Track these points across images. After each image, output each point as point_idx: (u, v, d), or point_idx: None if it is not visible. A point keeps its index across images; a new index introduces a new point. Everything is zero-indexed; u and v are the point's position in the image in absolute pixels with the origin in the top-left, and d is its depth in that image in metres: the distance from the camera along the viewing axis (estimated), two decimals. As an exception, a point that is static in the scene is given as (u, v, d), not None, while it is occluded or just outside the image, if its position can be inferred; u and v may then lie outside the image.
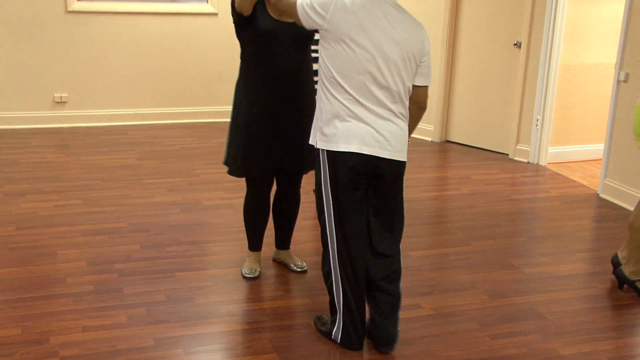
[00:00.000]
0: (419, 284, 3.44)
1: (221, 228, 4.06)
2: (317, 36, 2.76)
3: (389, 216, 2.81)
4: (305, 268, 3.52)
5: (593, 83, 5.62)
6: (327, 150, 2.69)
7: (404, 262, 3.61)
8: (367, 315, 2.87)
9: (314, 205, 3.15)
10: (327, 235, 2.78)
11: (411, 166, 5.43)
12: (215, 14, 6.41)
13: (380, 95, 2.65)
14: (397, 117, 2.71)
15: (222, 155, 5.42)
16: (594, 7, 5.45)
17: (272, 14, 3.04)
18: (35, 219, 4.06)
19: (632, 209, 4.51)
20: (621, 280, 3.43)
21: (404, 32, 2.65)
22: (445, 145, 6.11)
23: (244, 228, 3.47)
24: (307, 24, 2.66)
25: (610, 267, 3.66)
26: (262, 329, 2.98)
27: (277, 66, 3.09)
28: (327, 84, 2.68)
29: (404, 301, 3.21)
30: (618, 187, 4.73)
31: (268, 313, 3.12)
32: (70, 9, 6.01)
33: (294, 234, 3.59)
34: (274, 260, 3.62)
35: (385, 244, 2.82)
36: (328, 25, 2.60)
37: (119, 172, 5.01)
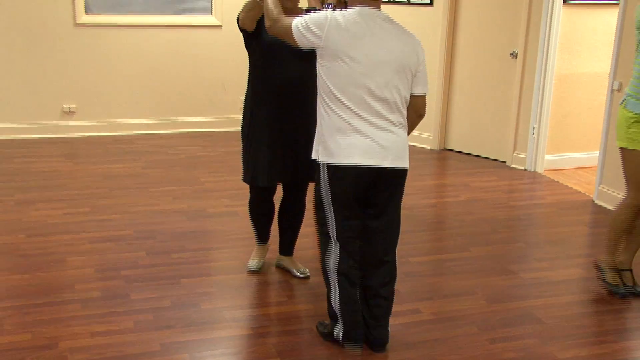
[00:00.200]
0: (419, 289, 3.44)
1: (225, 235, 4.06)
2: None
3: (389, 222, 2.83)
4: (308, 274, 3.52)
5: (587, 92, 5.62)
6: (328, 164, 2.71)
7: (403, 268, 3.63)
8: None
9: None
10: (329, 244, 2.80)
11: (411, 174, 5.38)
12: (219, 26, 6.43)
13: (378, 107, 2.67)
14: (396, 126, 2.73)
15: (225, 164, 5.49)
16: (588, 19, 5.46)
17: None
18: (44, 227, 4.06)
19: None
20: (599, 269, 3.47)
21: (397, 44, 2.69)
22: (444, 153, 6.11)
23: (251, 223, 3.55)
24: (303, 45, 2.68)
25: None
26: (266, 334, 2.97)
27: (282, 78, 3.10)
28: (326, 99, 2.70)
29: (405, 306, 3.22)
30: (613, 193, 4.73)
31: (272, 318, 3.12)
32: (78, 21, 6.04)
33: (298, 240, 3.59)
34: (277, 266, 3.62)
35: (384, 250, 2.83)
36: (324, 44, 2.62)
37: (126, 180, 5.02)
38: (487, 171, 5.57)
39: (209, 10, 6.41)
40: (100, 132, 6.30)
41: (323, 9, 2.88)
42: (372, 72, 2.64)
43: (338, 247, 2.77)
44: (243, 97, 6.40)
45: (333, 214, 2.75)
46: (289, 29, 2.68)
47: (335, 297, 2.82)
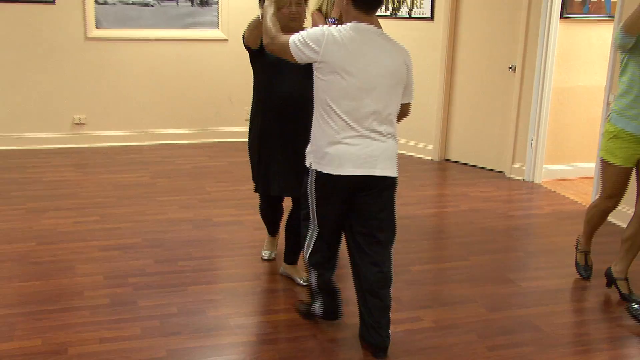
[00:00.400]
0: (420, 297, 3.44)
1: (231, 243, 4.07)
2: None
3: (378, 226, 2.85)
4: (311, 282, 3.53)
5: (584, 105, 5.63)
6: (317, 171, 2.78)
7: (404, 276, 3.63)
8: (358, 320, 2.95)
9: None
10: (308, 235, 2.95)
11: (412, 184, 5.44)
12: (226, 40, 6.46)
13: (371, 118, 2.73)
14: (386, 137, 2.80)
15: (231, 174, 5.50)
16: (584, 34, 5.48)
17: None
18: (55, 235, 4.07)
19: (621, 224, 4.51)
20: (609, 279, 3.53)
21: (390, 58, 2.75)
22: (445, 164, 6.11)
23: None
24: (300, 60, 2.73)
25: (602, 280, 3.65)
26: (269, 341, 2.97)
27: (284, 93, 3.14)
28: (321, 110, 2.76)
29: (406, 314, 3.22)
30: (609, 204, 4.72)
31: (275, 325, 3.11)
32: (89, 36, 6.08)
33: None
34: (282, 274, 3.62)
35: (375, 251, 2.86)
36: (322, 59, 2.67)
37: (134, 190, 5.03)
38: (487, 181, 5.57)
39: (216, 25, 6.45)
40: (109, 143, 6.32)
41: (327, 24, 2.91)
42: (367, 85, 2.71)
43: (315, 236, 2.90)
44: (249, 109, 6.47)
45: (316, 208, 2.85)
46: (286, 46, 2.72)
47: (314, 280, 2.99)
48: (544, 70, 5.36)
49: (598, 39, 5.49)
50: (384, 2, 2.83)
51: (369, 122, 2.73)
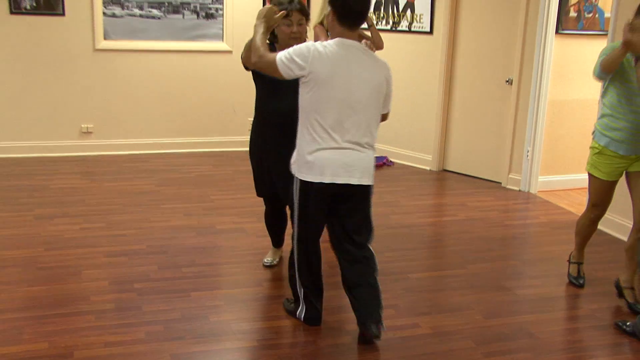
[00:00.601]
0: (418, 304, 3.44)
1: (233, 250, 4.07)
2: None
3: (354, 230, 2.99)
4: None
5: (578, 117, 5.65)
6: (301, 180, 2.88)
7: (403, 284, 3.63)
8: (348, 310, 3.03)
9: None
10: (294, 239, 3.03)
11: (411, 193, 5.44)
12: (230, 52, 6.49)
13: (353, 130, 2.82)
14: (365, 147, 2.89)
15: (234, 182, 5.51)
16: (579, 48, 5.50)
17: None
18: (62, 241, 4.08)
19: (615, 234, 4.53)
20: (618, 290, 3.54)
21: (372, 73, 2.83)
22: (443, 174, 6.12)
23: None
24: (287, 76, 2.80)
25: (596, 288, 3.66)
26: (270, 346, 2.97)
27: (280, 107, 3.20)
28: (305, 122, 2.84)
29: (404, 320, 3.22)
30: (603, 214, 4.73)
31: (276, 331, 3.11)
32: (97, 47, 6.11)
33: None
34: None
35: (353, 249, 2.99)
36: (308, 73, 2.75)
37: (140, 197, 5.04)
38: (484, 192, 5.58)
39: (221, 37, 6.48)
40: (116, 151, 6.34)
41: (329, 38, 2.94)
42: (350, 98, 2.78)
43: (299, 238, 2.99)
44: (252, 119, 6.50)
45: (300, 218, 2.95)
46: (273, 63, 2.78)
47: (298, 284, 3.06)
48: (540, 83, 5.38)
49: (592, 54, 5.47)
50: (369, 17, 2.95)
51: (352, 134, 2.82)
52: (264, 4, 6.16)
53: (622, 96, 3.28)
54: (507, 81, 5.60)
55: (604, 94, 3.43)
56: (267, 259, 3.82)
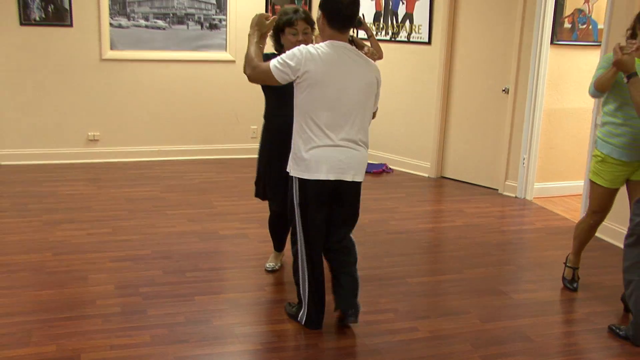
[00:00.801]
0: (417, 308, 3.44)
1: (236, 255, 4.08)
2: None
3: (346, 219, 3.08)
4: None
5: (573, 126, 5.66)
6: (298, 178, 2.91)
7: (402, 288, 3.64)
8: (331, 299, 3.13)
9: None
10: (297, 240, 3.02)
11: (410, 200, 5.45)
12: (233, 61, 6.51)
13: (347, 127, 2.86)
14: (359, 144, 2.93)
15: (237, 189, 5.52)
16: (573, 59, 5.52)
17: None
18: (69, 246, 4.09)
19: (610, 240, 4.53)
20: (625, 303, 3.50)
21: (363, 71, 2.88)
22: (441, 181, 6.13)
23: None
24: (283, 80, 2.84)
25: (591, 292, 3.67)
26: (273, 349, 2.98)
27: (287, 115, 3.17)
28: (301, 122, 2.87)
29: (403, 324, 3.23)
30: (598, 220, 4.73)
31: (279, 334, 3.12)
32: (104, 57, 6.14)
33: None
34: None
35: (340, 237, 3.08)
36: (302, 74, 2.78)
37: (145, 203, 5.04)
38: (481, 198, 5.59)
39: (224, 47, 6.51)
40: (121, 159, 6.35)
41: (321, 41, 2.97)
42: (343, 97, 2.83)
43: (307, 244, 2.99)
44: (255, 127, 6.49)
45: (300, 219, 2.97)
46: (268, 71, 2.82)
47: (302, 286, 3.06)
48: (536, 92, 5.40)
49: (586, 64, 5.53)
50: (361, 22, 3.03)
51: (346, 132, 2.86)
52: (266, 12, 6.19)
53: (621, 104, 3.30)
54: (504, 90, 5.62)
55: (604, 103, 3.44)
56: (269, 264, 3.83)
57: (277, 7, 6.36)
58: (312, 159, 2.85)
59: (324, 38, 2.88)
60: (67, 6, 5.91)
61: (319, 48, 2.81)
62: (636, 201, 3.14)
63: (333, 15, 2.81)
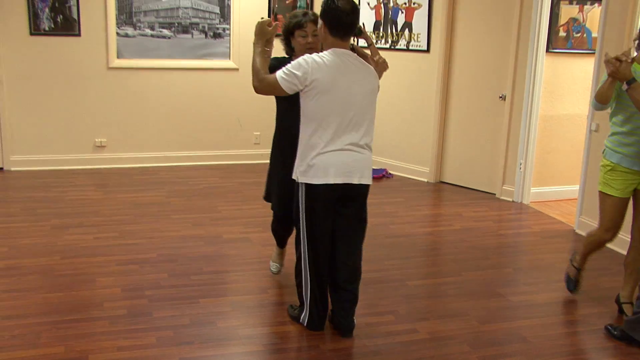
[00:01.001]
0: (416, 310, 3.45)
1: (240, 259, 4.08)
2: None
3: (355, 227, 3.02)
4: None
5: (568, 132, 5.67)
6: (305, 184, 2.88)
7: (402, 291, 3.64)
8: (329, 308, 3.11)
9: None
10: (300, 244, 3.00)
11: (409, 204, 5.46)
12: (237, 69, 6.53)
13: (353, 131, 2.86)
14: (364, 148, 2.93)
15: (240, 194, 5.53)
16: (568, 66, 5.53)
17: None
18: (77, 250, 4.10)
19: (614, 247, 4.51)
20: (619, 305, 3.49)
21: (364, 76, 2.89)
22: (439, 186, 6.13)
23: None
24: (290, 90, 2.82)
25: (586, 294, 3.67)
26: (276, 350, 2.98)
27: (293, 123, 3.15)
28: (308, 128, 2.86)
29: (403, 326, 3.23)
30: (592, 223, 4.73)
31: (282, 336, 3.12)
32: (111, 65, 6.16)
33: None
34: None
35: (350, 252, 3.02)
36: (310, 82, 2.78)
37: (150, 208, 5.05)
38: (479, 202, 5.59)
39: (227, 55, 6.53)
40: (128, 164, 6.37)
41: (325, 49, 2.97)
42: (349, 103, 2.83)
43: (310, 248, 2.96)
44: (258, 133, 6.50)
45: (306, 224, 2.94)
46: (275, 83, 2.81)
47: (305, 289, 3.03)
48: (532, 99, 5.41)
49: (581, 72, 5.54)
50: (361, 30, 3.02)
51: (352, 136, 2.85)
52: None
53: (630, 114, 3.21)
54: (501, 97, 5.63)
55: (612, 114, 3.33)
56: (273, 265, 3.77)
57: (280, 16, 6.39)
58: (320, 164, 2.84)
59: (326, 47, 2.89)
60: (75, 16, 5.94)
61: (323, 56, 2.81)
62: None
63: (334, 24, 2.82)
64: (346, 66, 2.84)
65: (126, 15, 6.12)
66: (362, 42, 3.53)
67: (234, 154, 6.70)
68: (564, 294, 3.73)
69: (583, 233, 4.79)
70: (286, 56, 3.27)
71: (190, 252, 4.14)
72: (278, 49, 3.16)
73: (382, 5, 6.29)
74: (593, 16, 5.44)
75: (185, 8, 6.30)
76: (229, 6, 6.42)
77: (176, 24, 6.30)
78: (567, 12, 5.42)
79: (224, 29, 6.46)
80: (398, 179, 6.26)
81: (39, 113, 6.06)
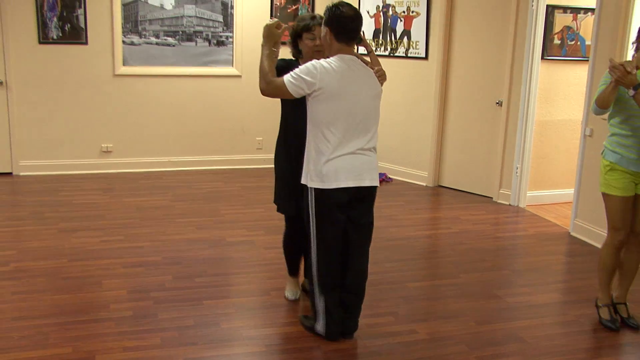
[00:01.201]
0: (415, 311, 3.45)
1: (243, 262, 4.09)
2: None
3: (363, 230, 3.00)
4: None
5: (563, 137, 5.68)
6: (316, 189, 2.86)
7: (401, 292, 3.65)
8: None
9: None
10: (311, 251, 2.96)
11: (408, 208, 5.46)
12: (239, 76, 6.55)
13: (361, 135, 2.86)
14: (371, 151, 2.93)
15: (243, 198, 5.54)
16: (563, 73, 5.55)
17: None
18: (84, 253, 4.10)
19: (599, 246, 4.50)
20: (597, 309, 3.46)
21: (371, 83, 2.89)
22: (438, 190, 6.14)
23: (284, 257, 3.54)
24: (297, 94, 2.81)
25: (581, 295, 3.67)
26: (278, 351, 2.99)
27: (299, 125, 3.14)
28: (317, 133, 2.84)
29: (402, 327, 3.24)
30: (586, 226, 4.75)
31: (283, 337, 3.13)
32: (117, 72, 6.18)
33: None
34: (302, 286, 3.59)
35: (359, 254, 3.00)
36: (319, 88, 2.77)
37: (155, 212, 5.06)
38: (476, 206, 5.59)
39: (230, 63, 6.55)
40: (133, 169, 6.38)
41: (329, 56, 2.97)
42: (357, 106, 2.83)
43: (321, 254, 2.93)
44: (260, 138, 6.49)
45: (316, 230, 2.91)
46: (282, 86, 2.80)
47: (318, 297, 2.98)
48: (528, 105, 5.42)
49: (575, 78, 5.56)
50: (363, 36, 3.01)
51: (360, 140, 2.85)
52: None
53: (628, 116, 3.20)
54: (497, 103, 5.64)
55: (610, 116, 3.30)
56: (288, 293, 3.53)
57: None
58: (331, 169, 2.81)
59: (331, 53, 2.86)
60: (82, 25, 5.97)
61: (331, 62, 2.80)
62: None
63: (340, 30, 2.81)
64: (353, 72, 2.83)
65: (132, 24, 6.14)
66: (362, 50, 3.53)
67: (237, 159, 6.71)
68: (560, 295, 3.74)
69: (578, 235, 4.80)
70: (293, 59, 3.26)
71: (195, 254, 4.15)
72: (284, 53, 3.16)
73: (381, 13, 6.31)
74: (586, 24, 5.46)
75: (190, 17, 6.32)
76: (232, 15, 6.45)
77: (180, 32, 6.32)
78: (562, 20, 5.44)
79: (227, 37, 6.48)
80: (397, 183, 6.27)
81: (47, 119, 6.08)
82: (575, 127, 5.58)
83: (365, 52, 3.21)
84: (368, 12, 6.37)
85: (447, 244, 4.61)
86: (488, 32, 5.63)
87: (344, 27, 2.81)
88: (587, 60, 4.99)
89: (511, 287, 3.85)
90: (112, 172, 6.26)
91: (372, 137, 2.90)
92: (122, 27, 6.10)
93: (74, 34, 5.97)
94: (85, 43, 6.01)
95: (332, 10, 2.82)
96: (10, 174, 6.04)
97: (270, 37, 2.90)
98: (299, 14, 6.57)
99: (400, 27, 6.18)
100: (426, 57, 6.03)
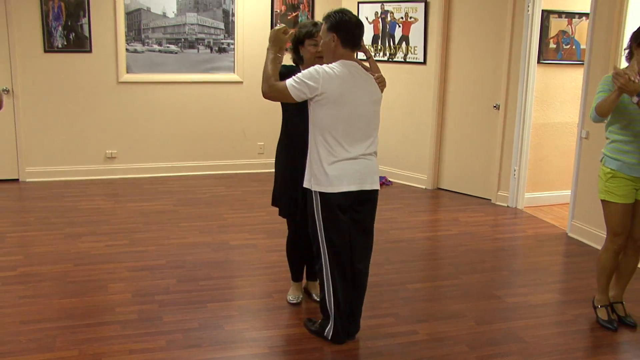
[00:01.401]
0: (416, 312, 3.45)
1: (246, 265, 4.09)
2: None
3: (368, 232, 3.02)
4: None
5: (560, 139, 5.68)
6: (320, 192, 2.86)
7: (402, 294, 3.65)
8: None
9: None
10: (321, 255, 2.94)
11: (408, 210, 5.47)
12: (241, 82, 6.56)
13: (362, 140, 2.86)
14: (372, 155, 2.94)
15: (245, 202, 5.54)
16: (559, 75, 5.56)
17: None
18: (89, 257, 4.11)
19: (596, 246, 4.52)
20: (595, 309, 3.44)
21: (371, 88, 2.90)
22: (437, 192, 6.14)
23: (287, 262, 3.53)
24: (299, 99, 2.81)
25: (579, 295, 3.67)
26: (281, 353, 2.99)
27: (301, 129, 3.14)
28: (319, 137, 2.85)
29: (403, 327, 3.24)
30: (584, 227, 4.75)
31: (286, 339, 3.13)
32: (120, 80, 6.20)
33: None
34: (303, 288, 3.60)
35: (361, 256, 3.01)
36: (321, 93, 2.77)
37: (159, 216, 5.06)
38: (475, 208, 5.60)
39: (232, 69, 6.56)
40: (137, 174, 6.38)
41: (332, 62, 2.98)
42: (359, 111, 2.84)
43: (331, 256, 2.92)
44: (261, 143, 6.49)
45: (324, 233, 2.90)
46: (284, 90, 2.80)
47: (329, 301, 2.96)
48: (524, 108, 5.43)
49: (571, 81, 5.57)
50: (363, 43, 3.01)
51: (361, 145, 2.86)
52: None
53: (628, 122, 3.17)
54: (495, 106, 5.65)
55: (609, 123, 3.26)
56: (291, 297, 3.51)
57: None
58: (334, 173, 2.82)
59: (335, 58, 2.85)
60: (87, 34, 5.99)
61: (333, 68, 2.81)
62: None
63: (348, 35, 2.82)
64: (354, 77, 2.84)
65: (135, 32, 6.16)
66: (361, 55, 3.54)
67: (239, 164, 6.72)
68: (558, 294, 3.74)
69: (575, 236, 4.80)
70: (294, 65, 3.27)
71: (198, 258, 4.15)
72: (284, 59, 3.16)
73: (380, 19, 6.32)
74: (581, 29, 5.47)
75: (192, 24, 6.34)
76: (233, 22, 6.47)
77: (183, 40, 6.34)
78: (557, 25, 5.45)
79: (228, 44, 6.50)
80: (397, 186, 6.27)
81: (52, 126, 6.09)
82: (571, 129, 5.59)
83: (365, 57, 3.21)
84: (367, 19, 6.38)
85: (447, 245, 4.61)
86: (485, 37, 5.64)
87: (352, 33, 2.83)
88: (582, 63, 5.00)
89: (510, 288, 3.84)
90: (117, 178, 6.27)
91: (372, 142, 2.92)
92: (126, 35, 6.12)
93: (79, 43, 5.99)
94: (90, 51, 6.03)
95: (338, 17, 2.82)
96: (16, 180, 6.05)
97: (277, 42, 2.89)
98: (299, 20, 6.58)
99: (398, 33, 6.19)
100: (424, 62, 6.04)
